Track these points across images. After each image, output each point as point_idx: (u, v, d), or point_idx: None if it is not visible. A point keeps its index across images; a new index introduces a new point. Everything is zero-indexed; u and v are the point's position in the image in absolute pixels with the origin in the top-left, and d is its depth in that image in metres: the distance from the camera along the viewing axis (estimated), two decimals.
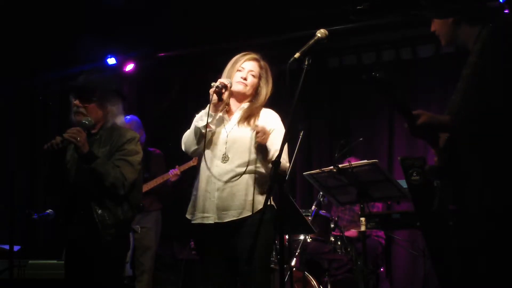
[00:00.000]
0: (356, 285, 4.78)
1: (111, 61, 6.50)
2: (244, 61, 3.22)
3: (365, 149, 5.95)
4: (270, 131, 3.08)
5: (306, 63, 2.53)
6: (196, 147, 3.17)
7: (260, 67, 3.25)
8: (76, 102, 3.33)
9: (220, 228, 3.05)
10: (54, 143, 3.17)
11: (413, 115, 2.29)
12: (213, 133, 3.16)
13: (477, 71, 2.28)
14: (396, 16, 5.31)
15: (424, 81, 5.96)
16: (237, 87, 3.18)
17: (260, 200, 3.06)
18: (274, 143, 3.04)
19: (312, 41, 2.59)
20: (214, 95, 3.08)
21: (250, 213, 3.02)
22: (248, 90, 3.20)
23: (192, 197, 3.18)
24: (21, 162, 7.07)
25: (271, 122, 3.17)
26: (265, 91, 3.24)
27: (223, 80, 3.12)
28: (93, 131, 3.37)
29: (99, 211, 3.22)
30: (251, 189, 3.05)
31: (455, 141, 2.32)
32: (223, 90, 3.10)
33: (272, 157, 2.99)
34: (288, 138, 2.67)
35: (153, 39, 6.34)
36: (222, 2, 5.46)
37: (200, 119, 3.13)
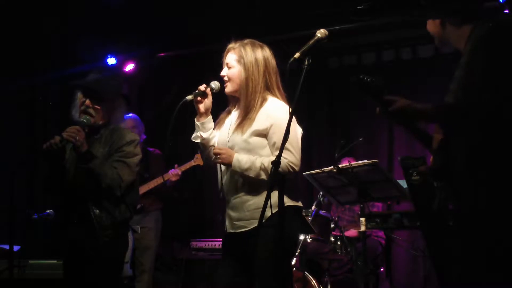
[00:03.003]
0: (356, 285, 4.78)
1: (111, 61, 6.50)
2: (223, 58, 3.10)
3: (365, 149, 5.95)
4: (267, 131, 2.92)
5: (306, 63, 2.51)
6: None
7: (236, 52, 3.03)
8: (87, 102, 3.33)
9: (233, 236, 3.00)
10: (53, 143, 3.17)
11: (386, 100, 2.28)
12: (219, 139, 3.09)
13: (468, 71, 2.28)
14: (396, 16, 5.31)
15: (424, 81, 5.96)
16: (225, 90, 3.08)
17: (271, 204, 2.78)
18: (276, 139, 2.90)
19: (312, 41, 2.57)
20: (196, 105, 3.05)
21: (257, 223, 2.81)
22: (233, 85, 3.03)
23: None
24: (21, 162, 7.06)
25: (267, 119, 2.93)
26: (246, 74, 2.97)
27: (201, 86, 3.05)
28: (95, 130, 3.39)
29: (96, 212, 3.22)
30: (255, 197, 2.93)
31: (449, 142, 2.32)
32: (199, 98, 3.04)
33: (261, 167, 2.87)
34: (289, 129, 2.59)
35: (153, 39, 6.34)
36: (222, 2, 5.46)
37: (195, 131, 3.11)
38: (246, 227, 2.94)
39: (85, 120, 3.29)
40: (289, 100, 3.03)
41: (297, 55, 2.50)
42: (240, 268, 2.99)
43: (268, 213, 2.69)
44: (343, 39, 5.94)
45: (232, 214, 2.98)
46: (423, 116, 2.32)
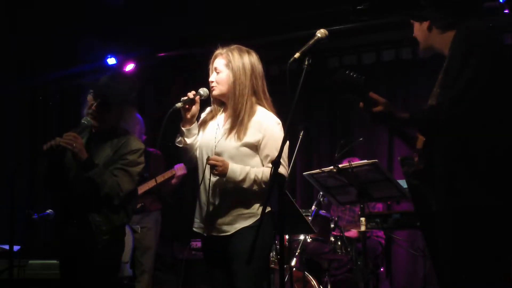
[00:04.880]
0: (356, 285, 4.78)
1: (111, 61, 6.50)
2: (210, 65, 3.13)
3: (365, 149, 5.95)
4: (259, 143, 2.98)
5: (306, 63, 2.51)
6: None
7: (224, 57, 3.06)
8: (94, 107, 3.33)
9: (213, 239, 3.01)
10: (53, 144, 3.17)
11: (371, 99, 2.30)
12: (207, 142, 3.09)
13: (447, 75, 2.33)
14: (396, 16, 5.31)
15: (424, 81, 5.96)
16: (212, 93, 3.09)
17: (250, 212, 2.97)
18: (269, 151, 2.97)
19: (312, 41, 2.57)
20: (183, 111, 3.05)
21: (241, 227, 2.94)
22: (221, 89, 3.05)
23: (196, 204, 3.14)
24: (21, 162, 7.07)
25: (259, 131, 2.99)
26: (234, 77, 3.00)
27: (190, 93, 3.05)
28: (101, 132, 3.39)
29: (95, 217, 3.22)
30: (240, 202, 2.97)
31: (431, 144, 2.35)
32: (187, 106, 3.05)
33: (254, 179, 2.92)
34: (288, 139, 2.63)
35: (153, 39, 6.34)
36: (222, 2, 5.46)
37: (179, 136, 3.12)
38: (229, 231, 2.97)
39: (85, 122, 3.30)
40: (275, 105, 3.10)
41: (297, 55, 2.50)
42: (220, 271, 3.04)
43: (253, 218, 2.91)
44: (343, 39, 5.94)
45: (215, 217, 2.99)
46: (403, 124, 2.37)
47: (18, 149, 7.21)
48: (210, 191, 3.01)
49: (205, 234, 3.05)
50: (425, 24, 2.47)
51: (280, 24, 5.83)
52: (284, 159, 2.97)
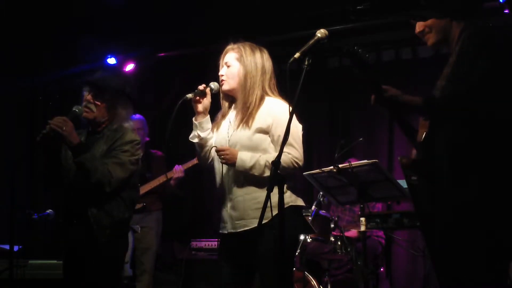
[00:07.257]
0: (356, 285, 4.78)
1: (111, 61, 6.50)
2: (220, 60, 3.13)
3: (365, 149, 5.95)
4: (270, 127, 2.95)
5: (306, 63, 2.51)
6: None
7: (236, 51, 3.08)
8: (89, 97, 3.34)
9: (235, 237, 2.98)
10: (45, 133, 3.19)
11: (382, 88, 2.34)
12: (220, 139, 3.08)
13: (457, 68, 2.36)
14: (396, 16, 5.31)
15: (424, 81, 5.95)
16: (222, 88, 3.10)
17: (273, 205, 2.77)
18: (280, 132, 2.91)
19: (312, 41, 2.57)
20: (194, 104, 3.07)
21: (262, 221, 2.76)
22: (231, 83, 3.06)
23: None
24: (21, 162, 7.06)
25: (268, 116, 2.97)
26: (245, 71, 3.02)
27: (200, 86, 3.07)
28: (97, 129, 3.39)
29: (94, 212, 3.22)
30: (257, 197, 2.93)
31: (433, 137, 2.36)
32: (197, 98, 3.06)
33: (266, 164, 2.89)
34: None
35: (153, 39, 6.34)
36: (222, 2, 5.46)
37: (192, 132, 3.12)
38: (247, 226, 2.93)
39: (77, 110, 3.31)
40: (287, 100, 3.06)
41: (297, 55, 2.50)
42: (238, 268, 3.00)
43: (269, 213, 2.62)
44: (343, 39, 5.94)
45: (233, 213, 2.97)
46: (412, 105, 2.37)
47: (18, 149, 7.21)
48: (227, 188, 3.00)
49: (225, 232, 3.02)
50: (446, 19, 2.47)
51: (280, 24, 5.83)
52: (296, 142, 2.94)
